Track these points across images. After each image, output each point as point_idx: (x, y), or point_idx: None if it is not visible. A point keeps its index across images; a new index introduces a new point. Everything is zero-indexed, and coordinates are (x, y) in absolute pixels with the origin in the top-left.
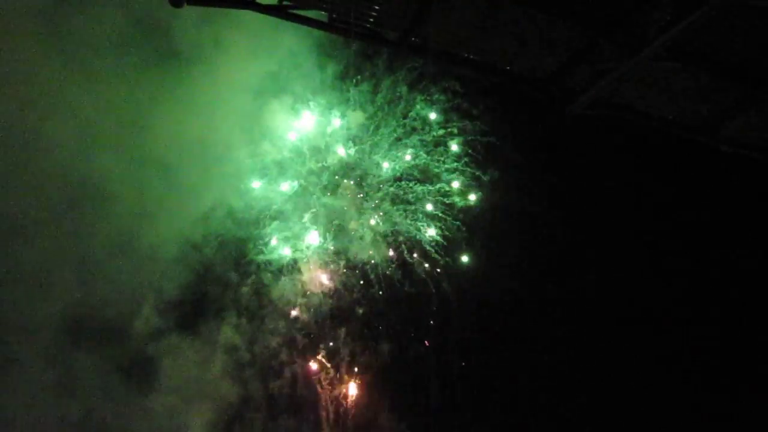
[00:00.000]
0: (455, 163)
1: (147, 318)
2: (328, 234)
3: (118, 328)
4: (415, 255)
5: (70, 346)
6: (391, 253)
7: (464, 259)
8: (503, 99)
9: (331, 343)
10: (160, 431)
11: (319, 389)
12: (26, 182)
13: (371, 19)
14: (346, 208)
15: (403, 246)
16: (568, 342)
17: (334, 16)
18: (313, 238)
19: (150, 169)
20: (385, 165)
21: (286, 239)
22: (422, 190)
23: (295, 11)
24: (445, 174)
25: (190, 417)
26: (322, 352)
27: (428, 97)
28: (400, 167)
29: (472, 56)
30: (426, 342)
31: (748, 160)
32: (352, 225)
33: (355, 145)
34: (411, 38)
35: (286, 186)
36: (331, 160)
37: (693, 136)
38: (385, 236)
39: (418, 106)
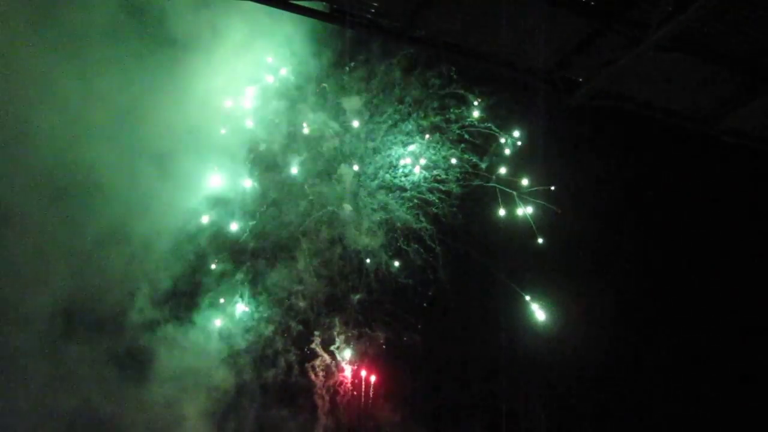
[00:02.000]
0: (452, 150)
1: (141, 308)
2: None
3: (112, 319)
4: (411, 243)
5: (64, 337)
6: (386, 241)
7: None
8: (500, 85)
9: (326, 332)
10: (156, 421)
11: (313, 377)
12: (17, 172)
13: (372, 10)
14: (341, 195)
15: (398, 233)
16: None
17: (335, 6)
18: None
19: (143, 158)
20: (381, 152)
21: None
22: (418, 176)
23: (294, 1)
24: (441, 161)
25: (185, 407)
26: (317, 340)
27: (424, 83)
28: (396, 153)
29: (474, 47)
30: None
31: (751, 150)
32: (347, 211)
33: (350, 131)
34: (412, 29)
35: (281, 174)
36: (327, 147)
37: (695, 126)
38: (380, 224)
39: (414, 92)
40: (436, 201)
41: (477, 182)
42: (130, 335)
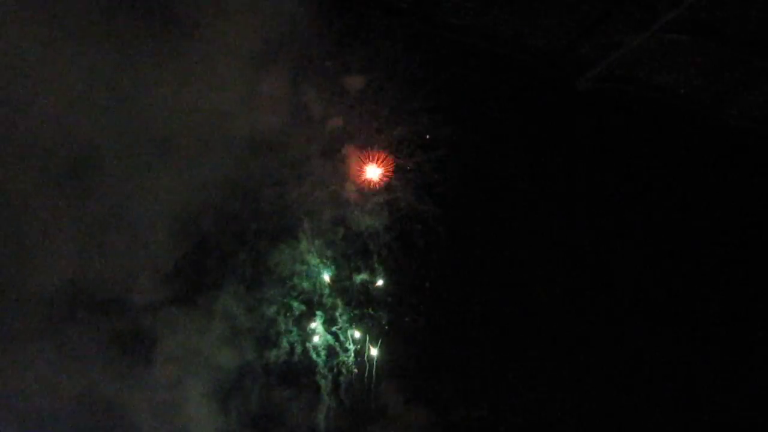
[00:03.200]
0: (456, 131)
1: (144, 290)
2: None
3: (115, 301)
4: (414, 223)
5: (67, 319)
6: (390, 221)
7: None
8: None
9: (328, 312)
10: (159, 403)
11: (316, 357)
12: (16, 154)
13: None
14: (344, 176)
15: (402, 213)
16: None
17: None
18: None
19: (145, 138)
20: (384, 131)
21: None
22: (422, 156)
23: None
24: (446, 141)
25: (188, 388)
26: (320, 321)
27: (426, 62)
28: (399, 134)
29: (480, 28)
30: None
31: (759, 135)
32: (350, 192)
33: (353, 109)
34: (420, 10)
35: (285, 154)
36: (330, 127)
37: (703, 110)
38: (383, 204)
39: (416, 71)
40: (441, 181)
41: (481, 163)
42: (133, 317)
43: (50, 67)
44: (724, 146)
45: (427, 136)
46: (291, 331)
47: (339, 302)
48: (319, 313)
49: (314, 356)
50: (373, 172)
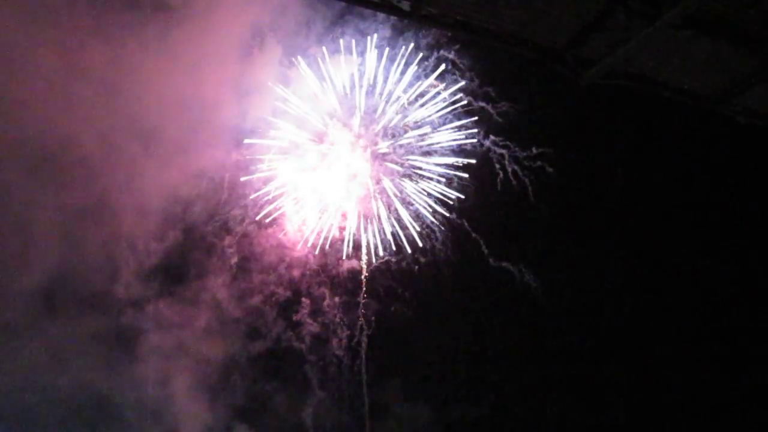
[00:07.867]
0: (449, 116)
1: (129, 284)
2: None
3: (101, 295)
4: (404, 209)
5: (51, 315)
6: (379, 209)
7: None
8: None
9: (315, 301)
10: (148, 398)
11: (302, 348)
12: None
13: None
14: (333, 161)
15: (392, 201)
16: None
17: None
18: None
19: (129, 130)
20: (375, 119)
21: None
22: (412, 143)
23: None
24: (438, 127)
25: (175, 382)
26: (307, 310)
27: (416, 46)
28: (389, 119)
29: (484, 24)
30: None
31: (764, 130)
32: (340, 178)
33: (343, 98)
34: (424, 7)
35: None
36: (320, 112)
37: (709, 106)
38: (374, 192)
39: (405, 55)
40: (431, 168)
41: (472, 149)
42: (119, 311)
43: (33, 57)
44: (729, 141)
45: (417, 123)
46: (277, 321)
47: (326, 291)
48: (305, 301)
49: (301, 346)
50: (363, 159)
